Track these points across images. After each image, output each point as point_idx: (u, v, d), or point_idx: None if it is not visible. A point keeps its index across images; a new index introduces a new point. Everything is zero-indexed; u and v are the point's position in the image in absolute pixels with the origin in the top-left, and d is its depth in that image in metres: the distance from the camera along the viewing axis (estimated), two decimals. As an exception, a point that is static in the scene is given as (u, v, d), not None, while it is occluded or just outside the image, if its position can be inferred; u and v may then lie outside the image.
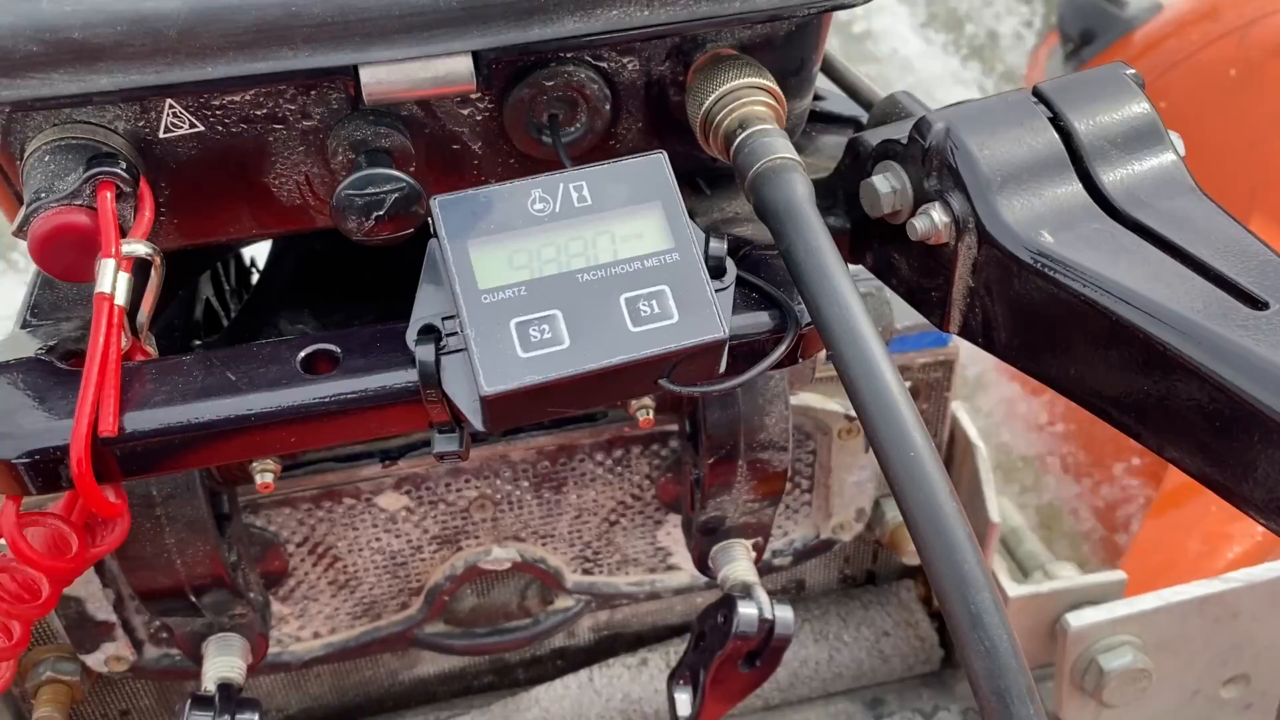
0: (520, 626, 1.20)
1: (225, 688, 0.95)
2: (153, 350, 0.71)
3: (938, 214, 0.69)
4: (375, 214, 0.68)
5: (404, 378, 0.65)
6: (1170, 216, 0.68)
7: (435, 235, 0.64)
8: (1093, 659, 1.17)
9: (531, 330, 0.62)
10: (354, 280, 0.98)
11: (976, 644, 0.53)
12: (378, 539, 1.12)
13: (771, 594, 1.32)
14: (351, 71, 0.66)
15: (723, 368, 0.66)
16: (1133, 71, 0.75)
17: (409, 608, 1.18)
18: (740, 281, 0.70)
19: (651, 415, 1.00)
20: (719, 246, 0.67)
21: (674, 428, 1.12)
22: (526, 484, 1.12)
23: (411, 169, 0.71)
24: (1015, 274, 0.67)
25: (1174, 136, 0.73)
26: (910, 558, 1.23)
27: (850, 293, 0.62)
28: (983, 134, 0.69)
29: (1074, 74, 0.74)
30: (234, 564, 0.96)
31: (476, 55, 0.67)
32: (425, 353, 0.63)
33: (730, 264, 0.68)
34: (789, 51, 0.77)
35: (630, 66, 0.75)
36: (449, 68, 0.67)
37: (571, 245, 0.64)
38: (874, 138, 0.78)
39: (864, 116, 0.97)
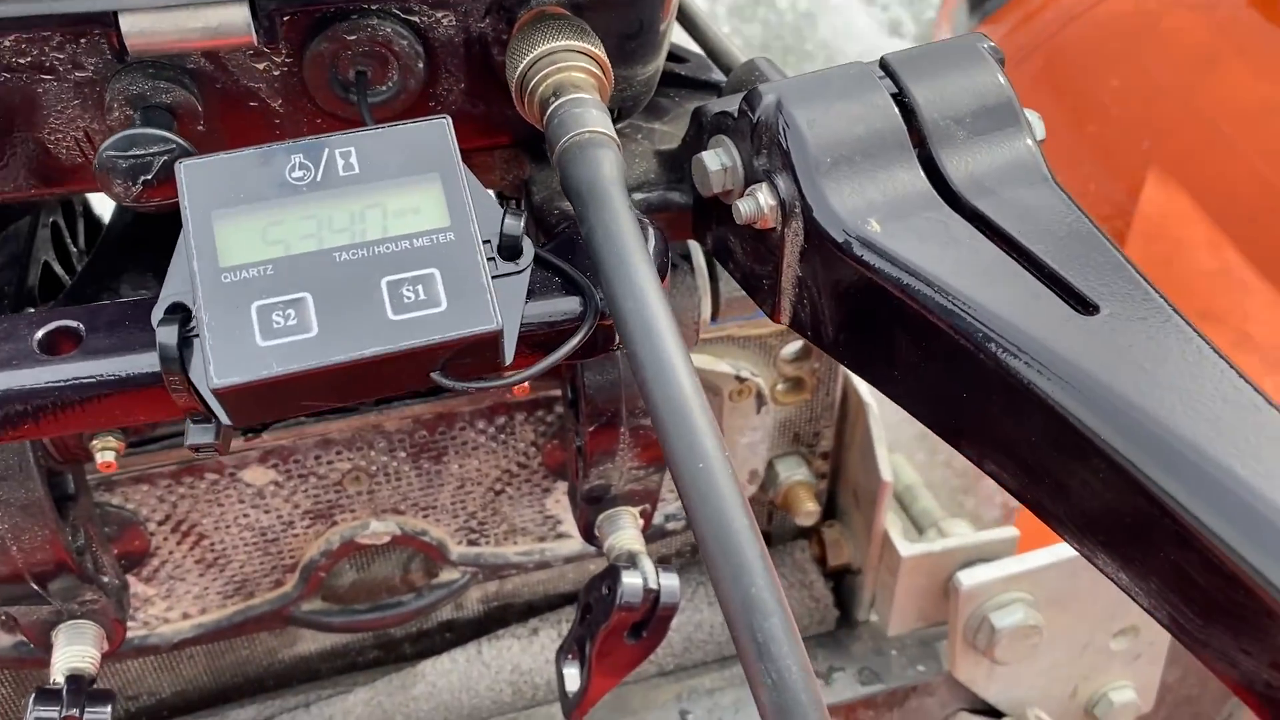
0: (403, 602, 1.16)
1: (75, 679, 0.90)
2: None
3: (764, 196, 0.65)
4: (142, 178, 0.63)
5: (149, 361, 0.60)
6: (1013, 206, 0.64)
7: (179, 202, 0.58)
8: (984, 617, 1.16)
9: (275, 315, 0.56)
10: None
11: (763, 675, 0.48)
12: (245, 515, 1.07)
13: (665, 560, 1.30)
14: (111, 19, 0.60)
15: (509, 358, 0.60)
16: (991, 44, 0.70)
17: (283, 585, 1.13)
18: (543, 263, 0.64)
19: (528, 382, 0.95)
20: (513, 224, 0.61)
21: (558, 393, 1.07)
22: (404, 454, 1.07)
23: (199, 127, 0.66)
24: (839, 264, 0.63)
25: (1033, 117, 0.68)
26: (805, 519, 1.21)
27: (649, 284, 0.57)
28: (816, 109, 0.65)
29: (926, 45, 0.70)
30: (81, 548, 0.90)
31: (254, 4, 0.61)
32: (168, 334, 0.56)
33: (528, 244, 0.62)
34: (626, 12, 0.72)
35: (446, 21, 0.69)
36: (222, 17, 0.61)
37: (335, 219, 0.58)
38: (715, 108, 0.73)
39: (724, 82, 0.92)
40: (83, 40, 0.64)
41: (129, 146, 0.62)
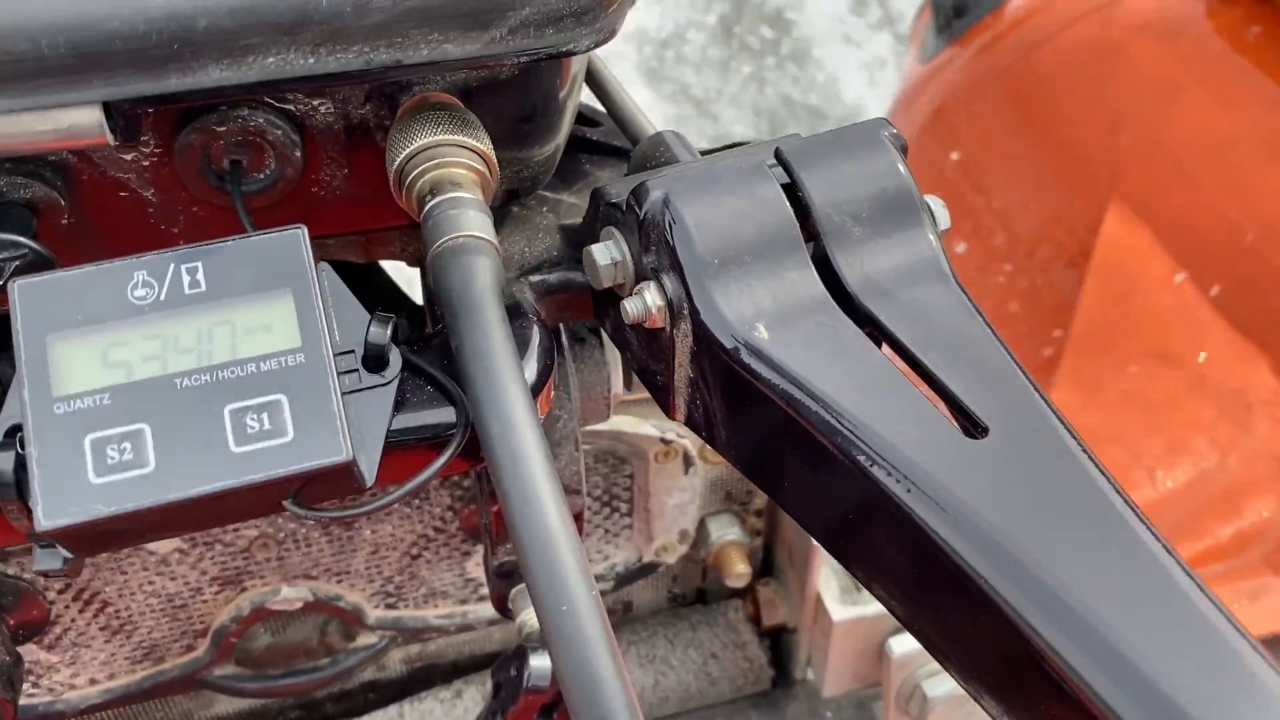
0: (319, 667, 1.13)
1: (-44, 768, 0.86)
2: None
3: (651, 296, 0.62)
4: None
5: None
6: (908, 310, 0.61)
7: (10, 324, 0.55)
8: (917, 685, 1.14)
9: (110, 449, 0.52)
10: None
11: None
12: (150, 582, 1.03)
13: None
14: None
15: (369, 480, 0.57)
16: (893, 131, 0.67)
17: (195, 650, 1.10)
18: (417, 371, 0.61)
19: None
20: (379, 333, 0.57)
21: (476, 457, 1.04)
22: (312, 522, 1.03)
23: (65, 221, 0.62)
24: (727, 370, 0.60)
25: (936, 206, 0.65)
26: (735, 580, 1.18)
27: (521, 408, 0.54)
28: (704, 205, 0.61)
29: (823, 133, 0.66)
30: (-37, 630, 0.87)
31: (109, 106, 0.57)
32: (4, 460, 0.52)
33: (395, 354, 0.58)
34: (518, 96, 0.69)
35: (323, 110, 0.66)
36: (73, 119, 0.57)
37: (180, 340, 0.55)
38: (610, 193, 0.70)
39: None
40: None
41: None
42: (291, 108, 0.66)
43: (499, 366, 0.56)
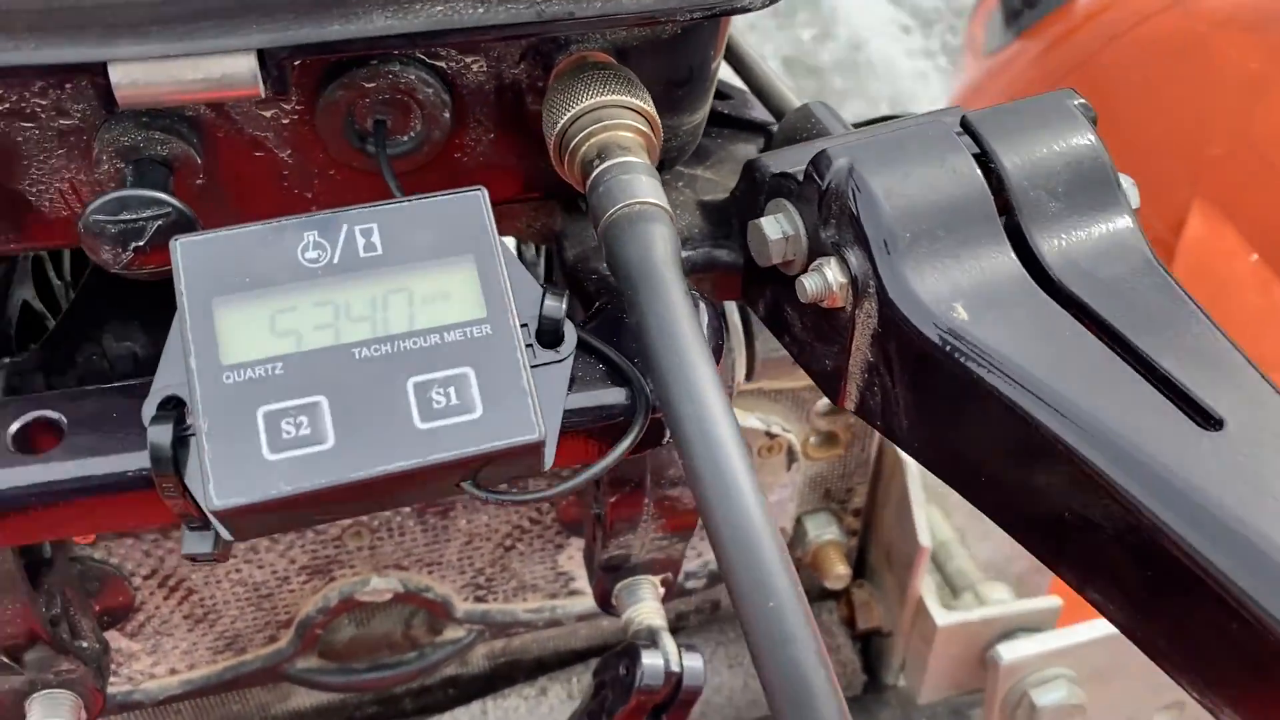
0: (404, 661, 1.09)
1: (48, 757, 0.82)
2: None
3: (832, 273, 0.57)
4: (134, 244, 0.55)
5: (139, 462, 0.52)
6: (1116, 294, 0.56)
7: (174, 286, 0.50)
8: (1025, 693, 1.09)
9: (285, 424, 0.48)
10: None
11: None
12: (238, 570, 0.99)
13: (683, 618, 1.22)
14: (99, 69, 0.53)
15: (548, 463, 0.53)
16: (1081, 101, 0.63)
17: (278, 641, 1.06)
18: (586, 347, 0.57)
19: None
20: (554, 307, 0.53)
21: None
22: (408, 509, 0.99)
23: (199, 181, 0.58)
24: (921, 355, 0.56)
25: (1127, 184, 0.61)
26: (834, 581, 1.14)
27: (711, 387, 0.50)
28: (893, 175, 0.57)
29: (1010, 103, 0.62)
30: (55, 617, 0.83)
31: (263, 53, 0.54)
32: (160, 434, 0.48)
33: (570, 329, 0.54)
34: (675, 58, 0.65)
35: (476, 68, 0.62)
36: (225, 68, 0.53)
37: (353, 307, 0.50)
38: (774, 164, 0.65)
39: (774, 124, 0.85)
40: (67, 86, 0.57)
41: (118, 210, 0.55)
42: (443, 65, 0.62)
43: (687, 344, 0.52)
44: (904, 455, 1.10)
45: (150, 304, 0.81)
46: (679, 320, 0.52)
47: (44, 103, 0.57)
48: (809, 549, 1.14)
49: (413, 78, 0.60)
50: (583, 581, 1.11)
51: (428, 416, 0.49)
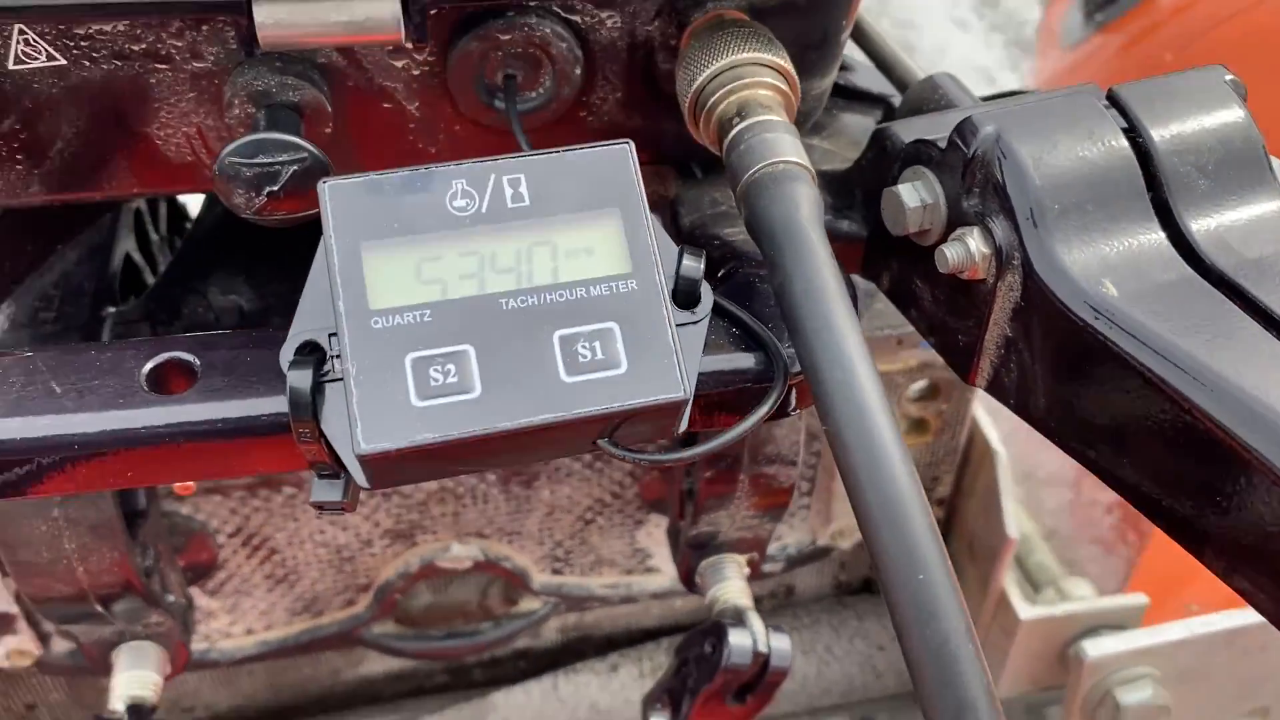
0: (480, 630, 1.09)
1: (136, 709, 0.82)
2: None
3: (975, 243, 0.56)
4: (268, 188, 0.55)
5: (273, 406, 0.52)
6: (1268, 274, 0.54)
7: (323, 230, 0.49)
8: (1108, 690, 1.06)
9: (433, 371, 0.47)
10: (301, 238, 0.84)
11: None
12: (321, 531, 0.99)
13: (758, 602, 1.21)
14: (243, 8, 0.52)
15: (684, 425, 0.52)
16: (1232, 78, 0.60)
17: (355, 605, 1.06)
18: (718, 311, 0.55)
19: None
20: (693, 266, 0.52)
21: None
22: (494, 477, 0.98)
23: (327, 130, 0.58)
24: (1066, 331, 0.54)
25: (1277, 165, 0.59)
26: (915, 570, 1.12)
27: (859, 354, 0.48)
28: (1041, 144, 0.55)
29: (1159, 77, 0.60)
30: (149, 568, 0.83)
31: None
32: (300, 378, 0.48)
33: (706, 290, 0.53)
34: (812, 19, 0.63)
35: (610, 23, 0.61)
36: (369, 11, 0.53)
37: (499, 258, 0.49)
38: (906, 132, 0.64)
39: (895, 97, 0.83)
40: (204, 28, 0.56)
41: (255, 153, 0.54)
42: (578, 19, 0.61)
43: (835, 305, 0.50)
44: (995, 445, 1.08)
45: (253, 258, 0.81)
46: (827, 282, 0.51)
47: (179, 44, 0.57)
48: (891, 536, 1.12)
49: (548, 31, 0.59)
50: (659, 559, 1.10)
51: (573, 370, 0.48)
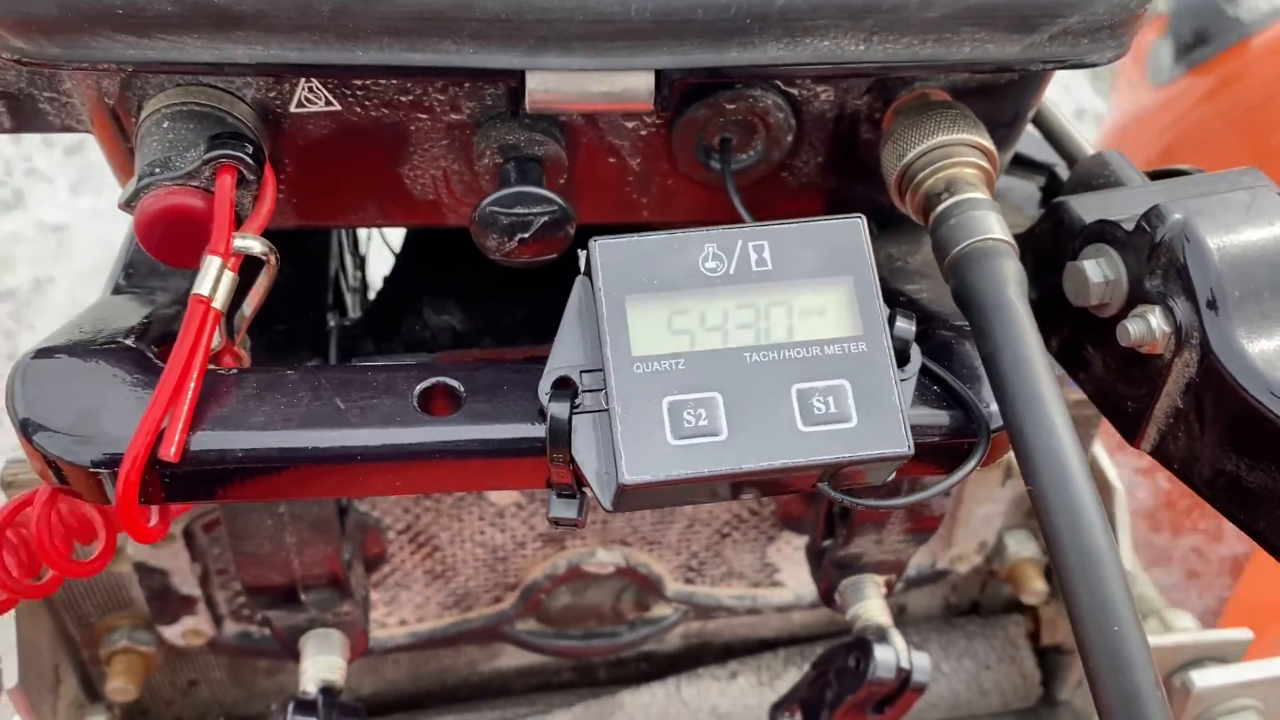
0: (617, 632, 1.15)
1: (328, 691, 0.89)
2: (245, 355, 0.64)
3: (1157, 320, 0.61)
4: (519, 235, 0.62)
5: (530, 431, 0.57)
6: None
7: (590, 281, 0.56)
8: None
9: (686, 414, 0.53)
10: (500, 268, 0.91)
11: None
12: (482, 532, 1.06)
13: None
14: (517, 76, 0.58)
15: (893, 474, 0.58)
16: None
17: (502, 602, 1.12)
18: (923, 369, 0.61)
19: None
20: (906, 328, 0.58)
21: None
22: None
23: (562, 181, 0.64)
24: (1238, 409, 0.58)
25: None
26: (1030, 596, 1.17)
27: (1063, 422, 0.54)
28: (1225, 235, 0.60)
29: None
30: (349, 561, 0.90)
31: (660, 74, 0.59)
32: (559, 409, 0.54)
33: (915, 351, 0.59)
34: (1005, 101, 0.69)
35: (824, 96, 0.67)
36: (627, 84, 0.59)
37: (741, 315, 0.55)
38: (1085, 210, 0.69)
39: (1058, 165, 0.88)
40: (467, 85, 0.62)
41: (514, 204, 0.61)
42: (796, 92, 0.67)
43: (1039, 376, 0.55)
44: (1114, 482, 1.13)
45: (461, 281, 0.88)
46: (1034, 354, 0.56)
47: (443, 98, 0.64)
48: (1008, 563, 1.18)
49: (769, 102, 0.65)
50: (786, 574, 1.16)
51: (809, 421, 0.54)
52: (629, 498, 0.55)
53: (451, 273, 0.87)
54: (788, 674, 1.21)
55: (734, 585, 1.17)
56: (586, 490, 0.57)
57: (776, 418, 0.54)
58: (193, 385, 0.56)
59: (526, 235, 0.62)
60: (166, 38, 0.55)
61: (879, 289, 0.58)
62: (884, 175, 0.67)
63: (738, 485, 0.56)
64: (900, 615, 1.27)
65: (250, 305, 0.63)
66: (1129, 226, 0.64)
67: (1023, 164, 0.88)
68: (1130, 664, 0.50)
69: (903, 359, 0.59)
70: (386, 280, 0.89)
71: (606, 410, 0.54)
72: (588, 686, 1.24)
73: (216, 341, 0.64)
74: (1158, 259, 0.62)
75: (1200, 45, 2.35)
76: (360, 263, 1.05)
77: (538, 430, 0.57)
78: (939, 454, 0.61)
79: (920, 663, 0.94)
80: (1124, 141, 2.40)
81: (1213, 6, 2.35)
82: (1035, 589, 1.16)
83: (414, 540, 1.05)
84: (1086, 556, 0.51)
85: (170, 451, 0.55)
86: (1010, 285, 0.59)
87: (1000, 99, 0.69)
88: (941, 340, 0.66)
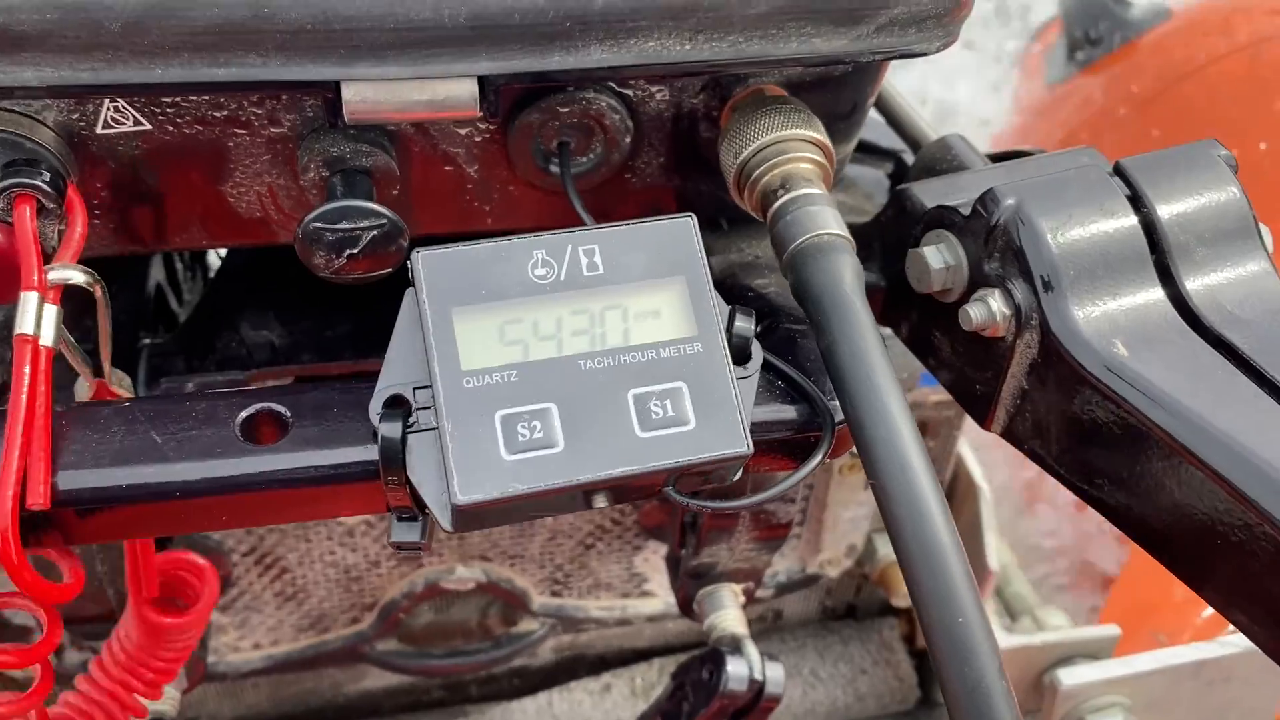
0: (479, 649, 1.12)
1: (159, 722, 0.86)
2: (125, 390, 0.60)
3: (997, 304, 0.61)
4: (348, 251, 0.58)
5: (363, 455, 0.54)
6: (1260, 338, 0.59)
7: (415, 296, 0.53)
8: (1080, 718, 1.11)
9: (520, 427, 0.51)
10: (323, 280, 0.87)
11: None
12: (332, 552, 1.03)
13: (749, 624, 1.25)
14: (331, 87, 0.55)
15: (738, 474, 0.56)
16: (1226, 153, 0.66)
17: (360, 623, 1.09)
18: (768, 365, 0.59)
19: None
20: (745, 326, 0.56)
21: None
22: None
23: (394, 192, 0.62)
24: (1079, 387, 0.59)
25: (1265, 233, 0.64)
26: (900, 599, 1.17)
27: (901, 414, 0.53)
28: (1057, 215, 0.60)
29: (1160, 152, 0.65)
30: (173, 588, 0.86)
31: (484, 80, 0.57)
32: (390, 430, 0.51)
33: (757, 348, 0.58)
34: (842, 93, 0.68)
35: (660, 96, 0.65)
36: (449, 91, 0.56)
37: (575, 321, 0.53)
38: (925, 195, 0.69)
39: (904, 152, 0.87)
40: (284, 98, 0.60)
41: (339, 219, 0.58)
42: (631, 93, 0.65)
43: (878, 370, 0.55)
44: (979, 480, 1.13)
45: (280, 295, 0.85)
46: (871, 348, 0.55)
47: (259, 112, 0.60)
48: (878, 566, 1.17)
49: (604, 104, 0.63)
50: (655, 584, 1.14)
51: (647, 426, 0.52)
52: (468, 518, 0.52)
53: (276, 287, 0.84)
54: (661, 684, 1.19)
55: (602, 596, 1.14)
56: (428, 512, 0.54)
57: (614, 425, 0.52)
58: (40, 426, 0.52)
59: (355, 251, 0.59)
60: None
61: (712, 287, 0.56)
62: (723, 173, 0.66)
63: (582, 496, 0.53)
64: (776, 620, 1.26)
65: (103, 337, 0.59)
66: (966, 211, 0.64)
67: (870, 151, 0.87)
68: (973, 654, 0.49)
69: (744, 356, 0.57)
70: (203, 295, 0.86)
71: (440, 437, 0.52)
72: (458, 704, 1.21)
73: (84, 387, 0.60)
74: (995, 243, 0.62)
75: (1092, 44, 2.39)
76: (204, 276, 1.01)
77: (371, 453, 0.54)
78: (788, 449, 0.60)
79: (774, 674, 0.92)
80: (1023, 140, 2.43)
81: (1103, 5, 2.39)
82: (904, 591, 1.15)
83: (260, 562, 1.01)
84: (927, 547, 0.51)
85: (39, 497, 0.51)
86: (846, 280, 0.58)
87: (837, 91, 0.68)
88: (787, 334, 0.65)
